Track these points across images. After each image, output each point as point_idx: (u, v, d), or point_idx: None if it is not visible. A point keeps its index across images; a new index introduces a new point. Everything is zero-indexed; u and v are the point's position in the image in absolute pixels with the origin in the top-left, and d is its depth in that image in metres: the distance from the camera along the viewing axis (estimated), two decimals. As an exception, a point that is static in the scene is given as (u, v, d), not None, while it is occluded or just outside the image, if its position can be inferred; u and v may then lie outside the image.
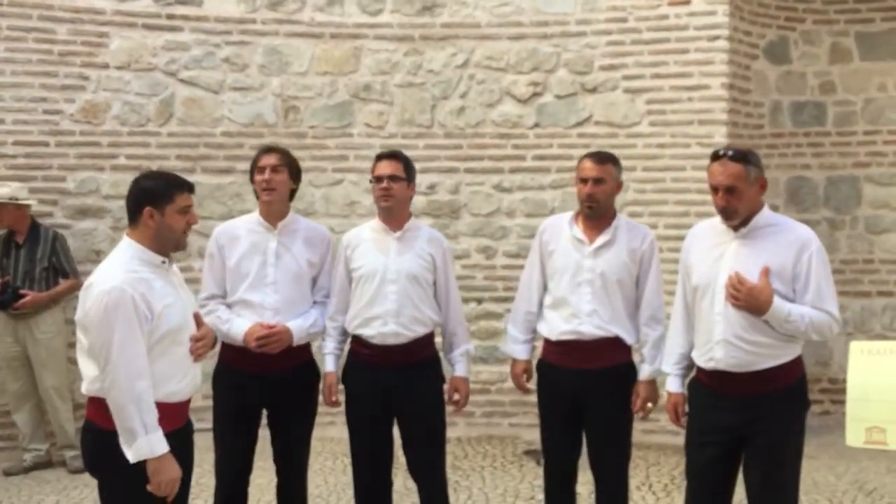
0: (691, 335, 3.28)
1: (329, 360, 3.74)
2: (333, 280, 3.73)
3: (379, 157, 3.69)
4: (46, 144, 5.52)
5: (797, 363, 3.17)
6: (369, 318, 3.59)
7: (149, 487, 2.72)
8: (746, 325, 3.06)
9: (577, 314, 3.53)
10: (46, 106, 5.50)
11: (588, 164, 3.54)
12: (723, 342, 3.09)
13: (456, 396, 3.75)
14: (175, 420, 2.88)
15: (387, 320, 3.57)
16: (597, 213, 3.54)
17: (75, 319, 2.86)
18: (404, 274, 3.58)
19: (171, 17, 5.73)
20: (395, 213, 3.64)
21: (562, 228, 3.62)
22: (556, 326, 3.59)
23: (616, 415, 3.51)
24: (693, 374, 3.32)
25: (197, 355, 2.89)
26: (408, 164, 3.67)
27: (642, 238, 3.57)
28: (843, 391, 5.56)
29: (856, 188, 6.07)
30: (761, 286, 3.03)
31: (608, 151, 3.72)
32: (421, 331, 3.62)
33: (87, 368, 2.83)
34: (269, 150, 3.71)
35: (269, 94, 5.89)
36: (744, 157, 3.12)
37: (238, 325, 3.56)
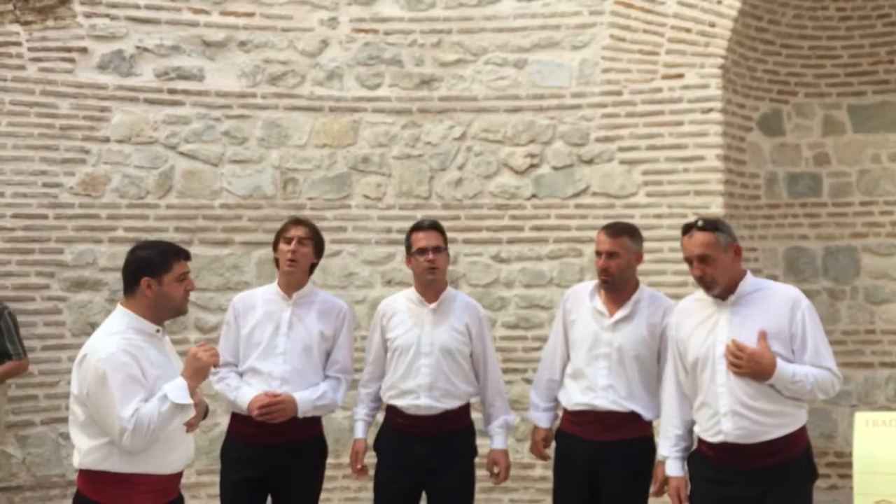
0: (686, 413, 3.23)
1: (359, 427, 3.73)
2: (369, 347, 3.73)
3: (418, 228, 3.64)
4: (45, 217, 5.53)
5: (803, 433, 3.12)
6: (403, 391, 3.58)
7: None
8: (751, 392, 3.02)
9: (593, 387, 3.49)
10: (46, 179, 5.53)
11: (602, 237, 3.55)
12: (730, 413, 3.03)
13: (496, 469, 3.68)
14: (167, 493, 2.84)
15: (419, 394, 3.54)
16: (613, 286, 3.52)
17: (72, 394, 2.83)
18: (438, 347, 3.56)
19: (172, 91, 5.81)
20: (438, 284, 3.62)
21: (584, 299, 3.60)
22: (573, 397, 3.56)
23: (630, 490, 3.43)
24: (693, 449, 3.26)
25: (189, 425, 2.85)
26: (445, 234, 3.66)
27: (663, 312, 3.54)
28: (849, 465, 5.42)
29: (854, 258, 6.07)
30: (762, 350, 3.00)
31: (626, 223, 3.72)
32: (455, 404, 3.58)
33: (81, 441, 2.81)
34: (298, 222, 3.71)
35: (268, 167, 5.93)
36: (712, 225, 3.16)
37: (245, 394, 3.54)
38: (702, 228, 3.14)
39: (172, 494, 2.88)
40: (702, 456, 3.18)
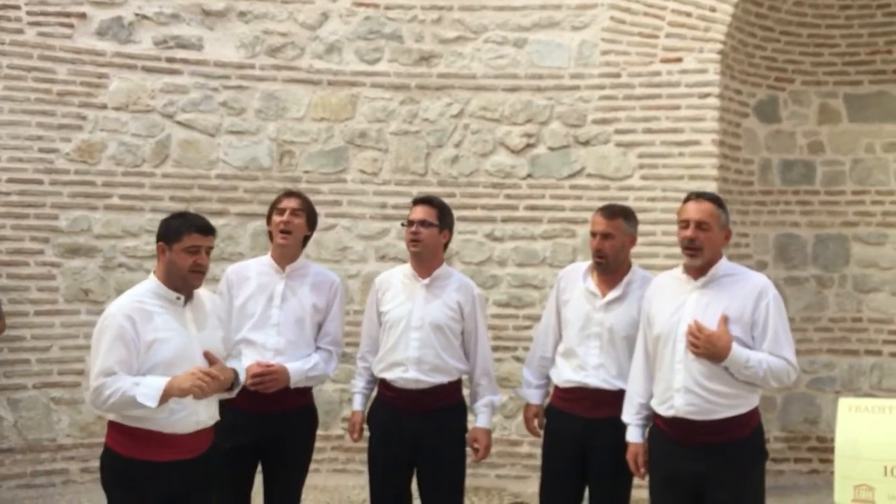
0: (651, 385, 3.30)
1: (357, 400, 3.79)
2: (366, 321, 3.79)
3: (414, 202, 3.72)
4: (40, 182, 5.53)
5: (754, 414, 3.21)
6: (392, 364, 3.62)
7: (193, 399, 2.87)
8: (707, 373, 3.11)
9: (584, 366, 3.55)
10: (42, 144, 5.53)
11: (597, 218, 3.60)
12: (683, 390, 3.13)
13: (476, 446, 3.72)
14: (178, 451, 2.95)
15: (408, 367, 3.58)
16: (607, 268, 3.57)
17: None
18: (428, 322, 3.59)
19: (170, 60, 5.79)
20: (424, 259, 3.66)
21: (577, 279, 3.65)
22: (564, 375, 3.62)
23: (618, 466, 3.48)
24: (652, 423, 3.35)
25: (194, 386, 2.89)
26: (443, 211, 3.68)
27: None
28: (831, 450, 5.50)
29: (844, 247, 6.11)
30: (719, 333, 3.08)
31: (622, 205, 3.77)
32: (444, 379, 3.62)
33: None
34: (290, 193, 3.76)
35: (265, 139, 5.93)
36: (717, 199, 3.27)
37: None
38: (707, 198, 3.24)
39: (185, 453, 2.96)
40: (657, 430, 3.27)
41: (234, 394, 3.17)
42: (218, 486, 3.16)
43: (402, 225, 3.74)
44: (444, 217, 3.67)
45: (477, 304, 3.71)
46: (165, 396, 2.82)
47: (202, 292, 3.16)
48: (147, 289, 3.00)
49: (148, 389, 2.80)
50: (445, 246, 3.75)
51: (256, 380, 3.49)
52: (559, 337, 3.69)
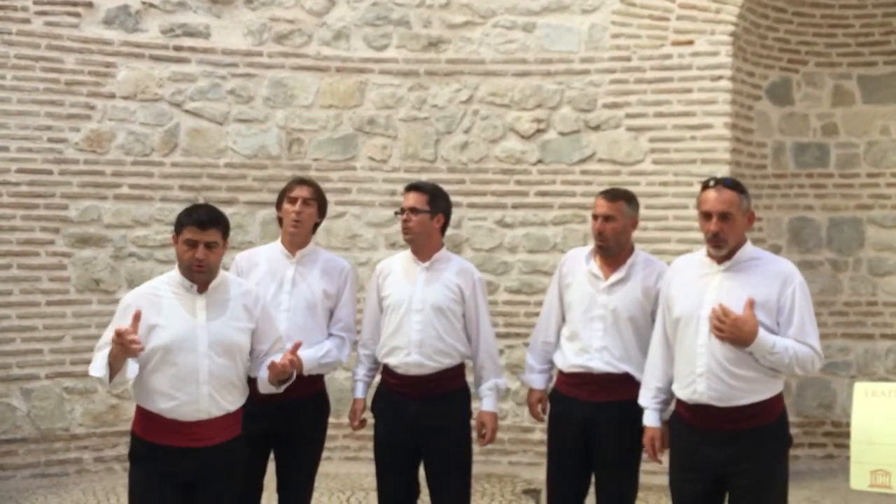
0: (670, 369, 3.27)
1: (358, 387, 3.79)
2: (367, 308, 3.78)
3: (406, 189, 3.71)
4: (50, 173, 5.52)
5: (778, 400, 3.17)
6: (394, 348, 3.61)
7: (126, 351, 2.86)
8: (731, 357, 3.06)
9: (588, 349, 3.53)
10: (51, 134, 5.52)
11: (599, 201, 3.58)
12: (706, 374, 3.08)
13: (483, 431, 3.70)
14: (185, 437, 2.97)
15: (410, 350, 3.57)
16: (608, 250, 3.55)
17: None
18: (429, 304, 3.58)
19: (178, 48, 5.78)
20: (418, 245, 3.65)
21: (580, 262, 3.63)
22: (568, 359, 3.60)
23: (623, 451, 3.47)
24: (673, 408, 3.31)
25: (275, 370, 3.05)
26: (434, 196, 3.65)
27: (657, 275, 3.55)
28: (846, 434, 5.49)
29: (859, 230, 6.06)
30: (745, 317, 3.03)
31: (623, 189, 3.74)
32: (446, 362, 3.60)
33: None
34: (301, 181, 3.74)
35: (273, 127, 5.91)
36: (737, 185, 3.19)
37: None
38: (727, 185, 3.15)
39: (195, 441, 2.97)
40: (679, 418, 3.23)
41: (280, 389, 3.18)
42: (236, 477, 3.15)
43: (396, 213, 3.73)
44: (435, 202, 3.64)
45: (477, 288, 3.69)
46: (113, 366, 2.86)
47: (233, 281, 3.18)
48: (167, 277, 3.10)
49: (96, 361, 2.94)
50: (444, 230, 3.72)
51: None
52: (562, 321, 3.68)
